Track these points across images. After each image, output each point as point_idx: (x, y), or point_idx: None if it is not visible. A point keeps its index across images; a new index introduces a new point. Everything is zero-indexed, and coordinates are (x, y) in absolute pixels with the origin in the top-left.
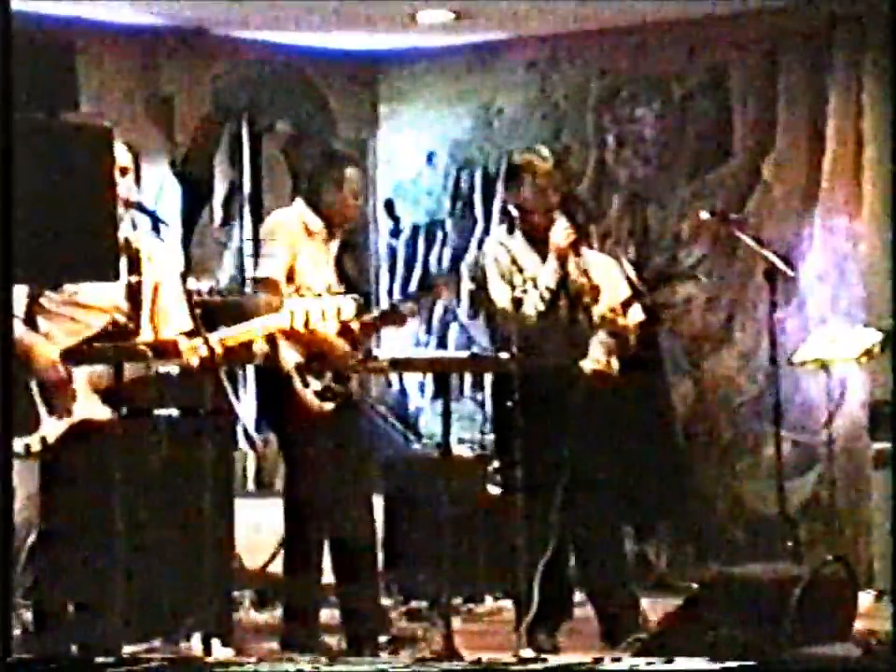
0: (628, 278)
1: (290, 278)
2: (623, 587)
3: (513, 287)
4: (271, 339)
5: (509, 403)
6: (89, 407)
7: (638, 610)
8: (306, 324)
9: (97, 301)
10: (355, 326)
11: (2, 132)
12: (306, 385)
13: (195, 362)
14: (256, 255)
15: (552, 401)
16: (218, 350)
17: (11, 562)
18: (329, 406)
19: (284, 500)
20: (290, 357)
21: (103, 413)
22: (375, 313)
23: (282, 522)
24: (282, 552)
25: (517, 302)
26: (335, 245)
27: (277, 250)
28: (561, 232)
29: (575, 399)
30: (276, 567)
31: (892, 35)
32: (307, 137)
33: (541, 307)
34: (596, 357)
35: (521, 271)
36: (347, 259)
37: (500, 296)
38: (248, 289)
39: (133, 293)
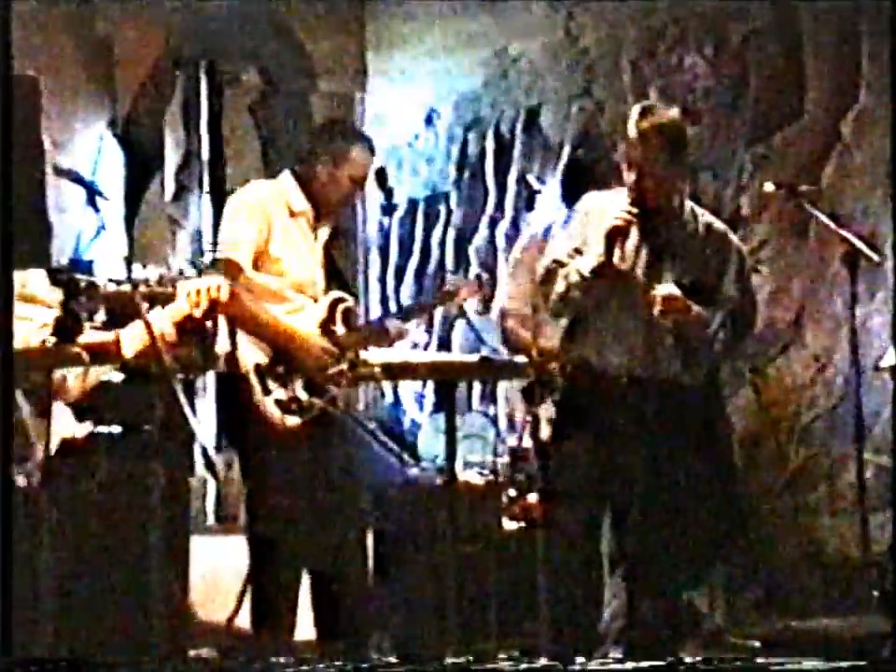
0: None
1: (258, 264)
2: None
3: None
4: (232, 333)
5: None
6: (65, 424)
7: None
8: (197, 305)
9: None
10: (339, 330)
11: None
12: (267, 392)
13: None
14: (216, 231)
15: (581, 412)
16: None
17: (11, 563)
18: (293, 421)
19: (247, 536)
20: (250, 356)
21: (80, 429)
22: (360, 324)
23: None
24: (247, 601)
25: (547, 274)
26: (324, 231)
27: (244, 228)
28: (612, 212)
29: (605, 409)
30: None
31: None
32: (279, 91)
33: (561, 289)
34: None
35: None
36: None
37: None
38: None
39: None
